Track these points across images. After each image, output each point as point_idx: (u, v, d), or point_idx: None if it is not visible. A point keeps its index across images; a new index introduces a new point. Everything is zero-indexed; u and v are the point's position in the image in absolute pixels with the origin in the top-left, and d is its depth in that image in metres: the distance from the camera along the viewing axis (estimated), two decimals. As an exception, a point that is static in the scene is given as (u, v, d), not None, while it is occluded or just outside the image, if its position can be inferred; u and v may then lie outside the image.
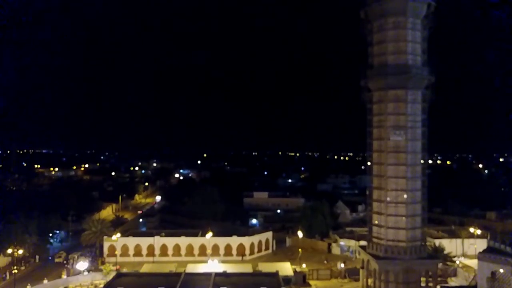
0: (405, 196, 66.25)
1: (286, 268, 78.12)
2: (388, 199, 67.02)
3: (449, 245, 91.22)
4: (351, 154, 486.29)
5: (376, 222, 69.35)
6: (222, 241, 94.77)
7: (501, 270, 57.17)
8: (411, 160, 66.91)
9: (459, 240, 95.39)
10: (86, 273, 79.15)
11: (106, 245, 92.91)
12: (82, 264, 78.53)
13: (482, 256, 60.25)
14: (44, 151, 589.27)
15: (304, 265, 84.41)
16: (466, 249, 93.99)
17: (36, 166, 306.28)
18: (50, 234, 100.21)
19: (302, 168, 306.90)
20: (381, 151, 68.52)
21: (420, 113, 67.97)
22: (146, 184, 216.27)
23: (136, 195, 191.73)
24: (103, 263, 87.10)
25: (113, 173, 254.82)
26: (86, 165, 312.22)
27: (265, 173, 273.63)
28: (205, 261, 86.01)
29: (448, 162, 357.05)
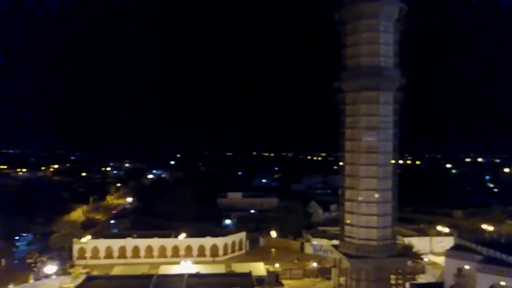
0: (376, 195, 67.47)
1: (259, 268, 78.20)
2: (360, 198, 68.09)
3: (418, 243, 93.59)
4: (324, 154, 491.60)
5: (348, 221, 70.35)
6: (195, 242, 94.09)
7: (467, 267, 59.00)
8: (383, 161, 68.22)
9: (427, 238, 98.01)
10: (54, 276, 76.99)
11: (75, 248, 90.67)
12: (51, 268, 76.31)
13: (449, 253, 62.05)
14: (10, 151, 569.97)
15: (277, 265, 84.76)
16: (434, 247, 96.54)
17: (1, 167, 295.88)
18: (17, 237, 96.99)
19: (276, 168, 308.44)
20: (354, 151, 69.54)
21: (392, 114, 69.36)
22: (118, 184, 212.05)
23: (108, 196, 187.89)
24: (71, 266, 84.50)
25: (84, 174, 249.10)
26: (56, 166, 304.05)
27: (240, 173, 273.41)
28: (178, 263, 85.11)
29: (417, 162, 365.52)
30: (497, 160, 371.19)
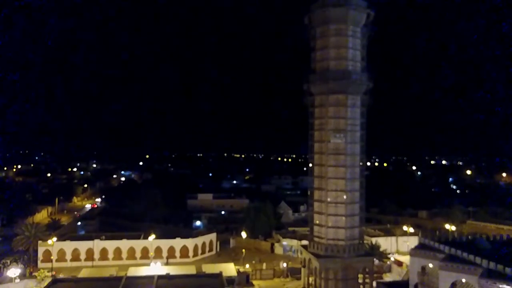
0: (344, 196, 69.12)
1: (229, 269, 78.31)
2: (328, 199, 69.62)
3: (385, 242, 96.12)
4: (294, 156, 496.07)
5: (317, 221, 71.79)
6: (165, 244, 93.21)
7: (430, 265, 61.01)
8: (350, 162, 70.02)
9: (393, 238, 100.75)
10: (18, 280, 74.68)
11: (40, 250, 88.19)
12: (14, 271, 73.94)
13: (413, 252, 63.89)
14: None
15: (247, 266, 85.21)
16: (399, 246, 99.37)
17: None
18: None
19: (247, 170, 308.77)
20: (322, 153, 71.10)
21: (359, 117, 71.36)
22: (85, 185, 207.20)
23: (74, 198, 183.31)
24: (31, 273, 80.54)
25: (48, 175, 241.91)
26: (19, 166, 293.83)
27: (210, 174, 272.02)
28: (148, 264, 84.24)
29: (385, 164, 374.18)
30: (460, 163, 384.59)
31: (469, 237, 67.61)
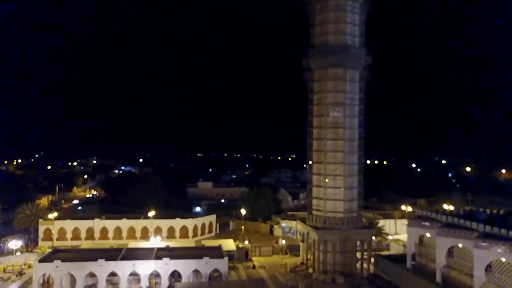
0: (342, 169, 69.87)
1: (229, 244, 78.97)
2: (327, 172, 70.37)
3: (384, 224, 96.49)
4: (293, 155, 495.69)
5: (316, 194, 72.49)
6: (165, 223, 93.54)
7: (428, 234, 61.71)
8: (349, 135, 70.89)
9: (392, 221, 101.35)
10: (19, 253, 75.36)
11: (41, 229, 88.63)
12: (15, 243, 74.61)
13: (411, 222, 64.78)
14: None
15: (246, 242, 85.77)
16: (398, 229, 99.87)
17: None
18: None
19: (247, 165, 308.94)
20: (321, 127, 71.95)
21: (358, 92, 72.24)
22: (85, 176, 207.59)
23: (75, 188, 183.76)
24: (29, 251, 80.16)
25: (49, 167, 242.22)
26: (19, 160, 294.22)
27: (210, 170, 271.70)
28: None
29: (384, 162, 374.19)
30: (456, 162, 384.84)
31: (466, 209, 68.50)
